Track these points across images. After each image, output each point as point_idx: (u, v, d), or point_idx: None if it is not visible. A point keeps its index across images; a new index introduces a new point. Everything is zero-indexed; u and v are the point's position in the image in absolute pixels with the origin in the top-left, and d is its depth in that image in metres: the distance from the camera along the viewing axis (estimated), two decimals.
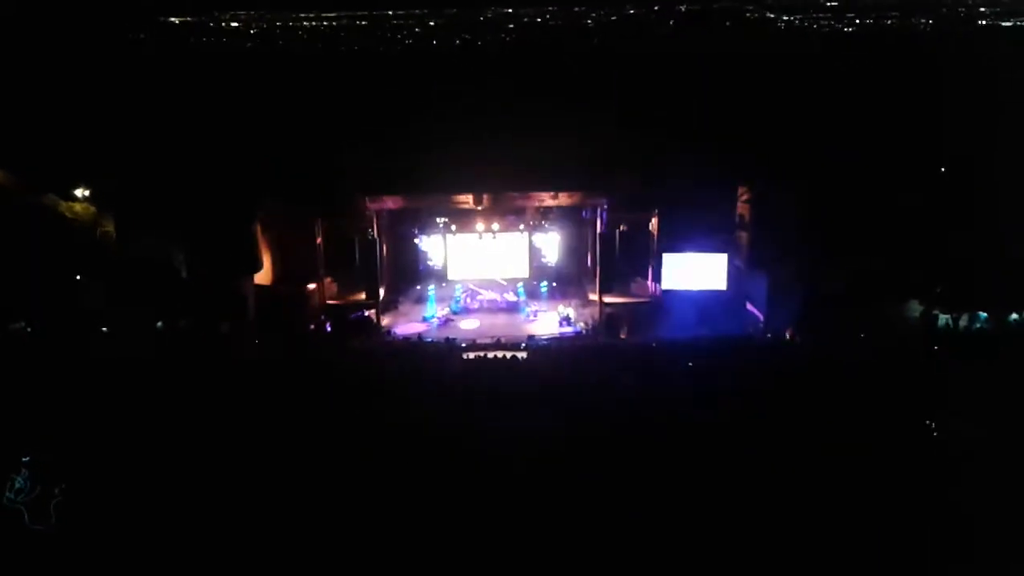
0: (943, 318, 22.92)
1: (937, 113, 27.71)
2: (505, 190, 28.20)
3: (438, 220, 30.64)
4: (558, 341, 25.61)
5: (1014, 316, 22.12)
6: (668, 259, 26.71)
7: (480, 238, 30.21)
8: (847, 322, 21.89)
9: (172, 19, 41.28)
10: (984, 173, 24.29)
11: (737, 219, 27.08)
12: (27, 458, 8.08)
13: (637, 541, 7.59)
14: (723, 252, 26.63)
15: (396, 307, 30.15)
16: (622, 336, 26.33)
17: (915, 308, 23.58)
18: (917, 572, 7.26)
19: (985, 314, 22.45)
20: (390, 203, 29.02)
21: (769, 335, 24.37)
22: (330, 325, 26.88)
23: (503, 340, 24.71)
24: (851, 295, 23.24)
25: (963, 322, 22.70)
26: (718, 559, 7.42)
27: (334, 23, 42.21)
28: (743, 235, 26.77)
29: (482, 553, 7.46)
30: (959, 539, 7.32)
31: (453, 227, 30.29)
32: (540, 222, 30.69)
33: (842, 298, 23.22)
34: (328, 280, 28.83)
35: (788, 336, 23.30)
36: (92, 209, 24.84)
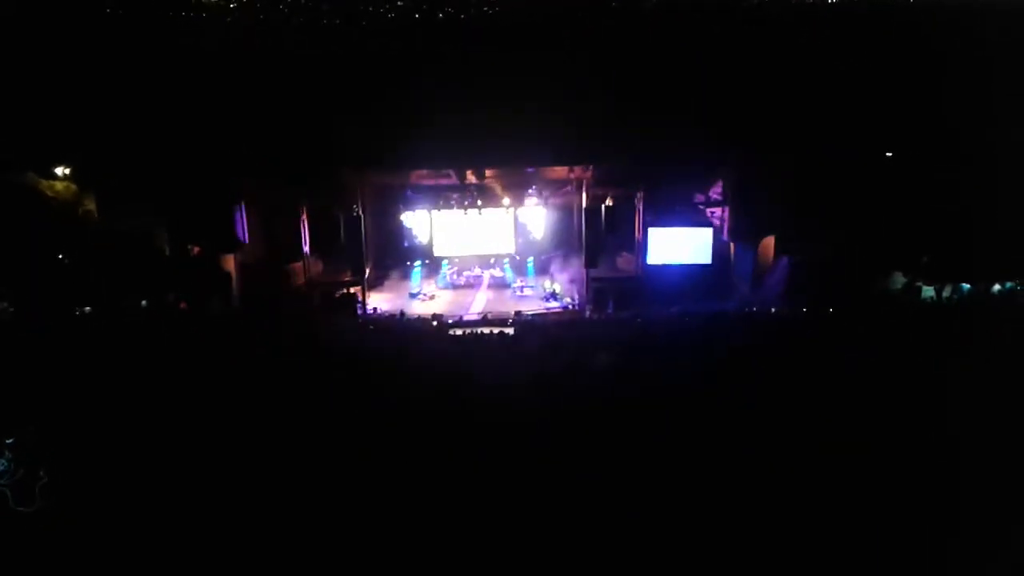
0: (927, 290, 23.06)
1: (924, 84, 27.70)
2: (489, 165, 28.05)
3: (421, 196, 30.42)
4: (544, 316, 25.64)
5: (997, 287, 22.27)
6: (654, 233, 26.73)
7: (465, 214, 30.08)
8: (831, 294, 22.00)
9: None
10: (971, 145, 24.34)
11: (722, 193, 27.10)
12: (10, 440, 8.03)
13: (618, 525, 7.62)
14: (708, 226, 26.68)
15: (382, 284, 30.05)
16: (609, 311, 26.38)
17: (899, 280, 23.70)
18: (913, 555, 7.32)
19: (968, 285, 22.59)
20: (375, 179, 28.83)
21: (754, 308, 24.46)
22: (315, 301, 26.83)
23: (490, 316, 24.72)
24: (835, 267, 23.34)
25: (946, 293, 22.84)
26: (706, 544, 7.46)
27: None
28: (728, 209, 26.79)
29: (463, 535, 7.47)
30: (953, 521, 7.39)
31: (439, 203, 30.10)
32: (526, 197, 30.53)
33: (826, 270, 23.31)
34: (313, 258, 28.69)
35: (772, 309, 23.40)
36: (73, 187, 24.54)
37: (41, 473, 7.86)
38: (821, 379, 11.48)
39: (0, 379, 11.04)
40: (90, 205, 24.74)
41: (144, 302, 22.38)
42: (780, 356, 14.19)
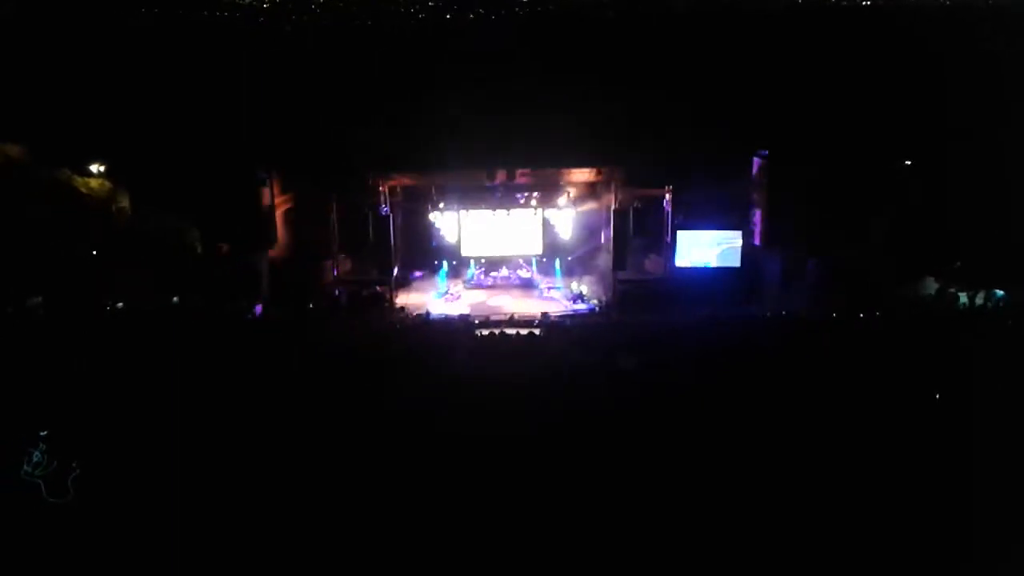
0: (960, 296, 22.73)
1: (955, 86, 27.37)
2: (518, 166, 28.06)
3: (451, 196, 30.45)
4: (571, 318, 25.59)
5: None
6: (682, 236, 26.60)
7: (494, 214, 30.10)
8: (861, 299, 21.78)
9: None
10: (1003, 148, 24.01)
11: (752, 196, 26.91)
12: (44, 432, 8.16)
13: (632, 529, 7.59)
14: (737, 229, 26.51)
15: (409, 283, 30.17)
16: (636, 313, 26.27)
17: (931, 285, 23.40)
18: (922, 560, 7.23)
19: (1002, 292, 22.24)
20: (404, 179, 28.95)
21: (783, 312, 24.27)
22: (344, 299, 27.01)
23: (516, 317, 24.73)
24: (866, 272, 23.11)
25: (979, 300, 22.50)
26: (716, 550, 7.42)
27: None
28: (758, 212, 26.60)
29: (476, 538, 7.48)
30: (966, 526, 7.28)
31: (468, 203, 30.11)
32: (555, 198, 30.48)
33: (857, 275, 23.09)
34: (342, 256, 28.86)
35: (802, 313, 23.20)
36: (107, 185, 24.91)
37: (74, 465, 7.97)
38: (849, 385, 11.36)
39: (34, 372, 11.23)
40: (124, 202, 25.09)
41: (176, 299, 22.65)
42: (808, 361, 14.08)
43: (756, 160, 26.41)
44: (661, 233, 27.75)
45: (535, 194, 29.87)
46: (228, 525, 7.50)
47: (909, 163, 25.44)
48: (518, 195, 29.91)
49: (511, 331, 19.91)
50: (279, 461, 8.59)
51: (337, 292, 27.49)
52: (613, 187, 27.86)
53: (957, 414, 9.75)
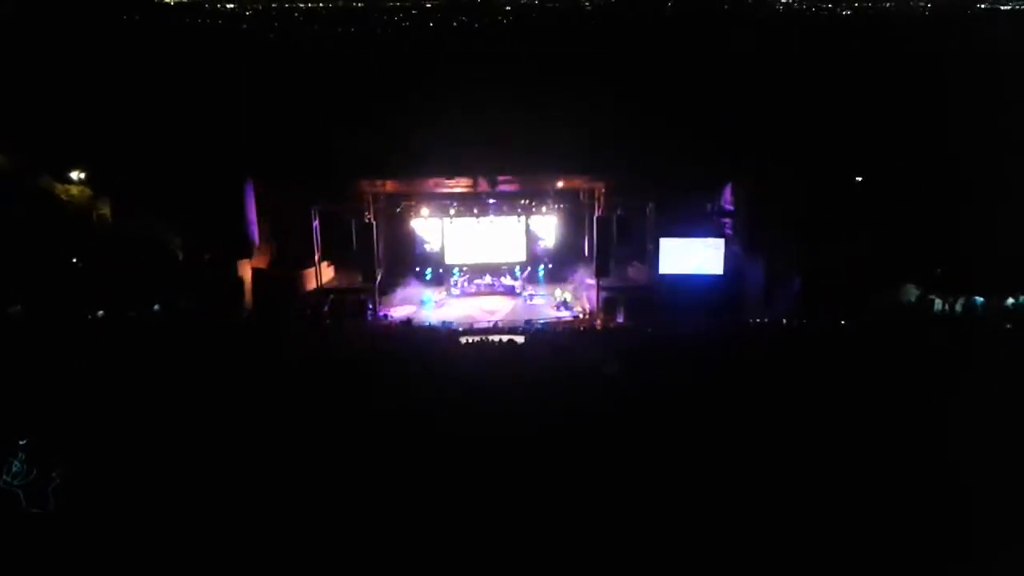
0: (938, 303, 22.92)
1: (935, 97, 27.66)
2: (501, 173, 28.10)
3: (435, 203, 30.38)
4: (555, 325, 25.62)
5: (1010, 301, 22.10)
6: (665, 243, 26.67)
7: (478, 222, 30.13)
8: (843, 306, 21.89)
9: (167, 0, 41.06)
10: (982, 157, 24.29)
11: (735, 205, 27.02)
12: (24, 441, 8.08)
13: (624, 533, 7.61)
14: (721, 237, 26.61)
15: (393, 291, 30.08)
16: (619, 320, 26.35)
17: (911, 292, 23.57)
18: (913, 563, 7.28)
19: (982, 299, 22.44)
20: (387, 186, 28.89)
21: (765, 319, 24.38)
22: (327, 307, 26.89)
23: (500, 324, 24.73)
24: (847, 279, 23.24)
25: (959, 307, 22.69)
26: (706, 553, 7.44)
27: (331, 5, 41.98)
28: (741, 221, 26.72)
29: (463, 541, 7.48)
30: (958, 529, 7.33)
31: (451, 211, 30.10)
32: (538, 206, 30.50)
33: (838, 282, 23.21)
34: (325, 264, 28.73)
35: (784, 320, 23.31)
36: (88, 192, 24.74)
37: (54, 475, 7.90)
38: (831, 392, 11.43)
39: (14, 381, 11.12)
40: (104, 210, 24.93)
41: (157, 307, 22.49)
42: (791, 368, 14.15)
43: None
44: (644, 241, 27.84)
45: (519, 201, 29.92)
46: (212, 534, 7.45)
47: (890, 172, 25.67)
48: (501, 202, 29.93)
49: (494, 338, 19.92)
50: (260, 468, 8.56)
51: (320, 300, 27.36)
52: (597, 195, 27.96)
53: (943, 419, 9.83)
